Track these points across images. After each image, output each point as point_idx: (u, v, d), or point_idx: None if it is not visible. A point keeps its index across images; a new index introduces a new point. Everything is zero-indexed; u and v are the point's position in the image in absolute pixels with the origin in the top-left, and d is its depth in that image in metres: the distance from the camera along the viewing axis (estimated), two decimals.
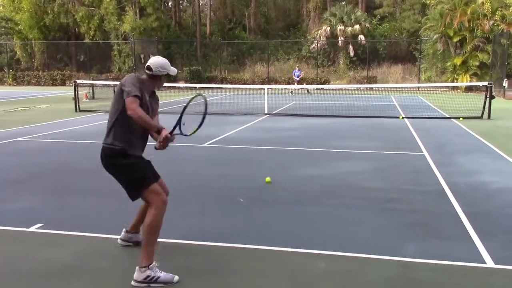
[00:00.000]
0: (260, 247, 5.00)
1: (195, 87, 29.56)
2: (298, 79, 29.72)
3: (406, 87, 30.89)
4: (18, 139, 12.03)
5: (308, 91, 29.21)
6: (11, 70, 40.01)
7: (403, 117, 16.21)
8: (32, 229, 5.55)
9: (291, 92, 28.80)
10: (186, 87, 30.12)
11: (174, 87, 29.80)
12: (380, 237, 5.36)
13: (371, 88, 30.85)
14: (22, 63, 41.72)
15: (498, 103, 19.44)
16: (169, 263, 4.64)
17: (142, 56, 32.49)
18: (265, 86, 20.54)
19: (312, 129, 14.04)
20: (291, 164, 9.32)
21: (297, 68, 30.88)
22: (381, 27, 41.07)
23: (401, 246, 5.04)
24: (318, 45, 37.62)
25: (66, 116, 16.98)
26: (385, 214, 6.18)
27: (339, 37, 37.18)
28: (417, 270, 4.48)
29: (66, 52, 42.55)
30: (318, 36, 37.97)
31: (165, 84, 21.35)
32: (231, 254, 4.88)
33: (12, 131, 13.39)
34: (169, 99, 24.46)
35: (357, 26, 36.92)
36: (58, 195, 7.09)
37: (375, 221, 5.89)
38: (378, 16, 41.81)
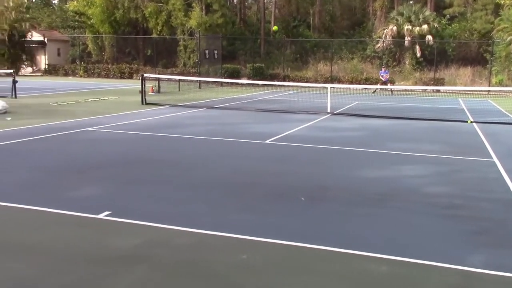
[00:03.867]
0: (317, 247, 4.99)
1: (257, 84, 29.74)
2: (385, 79, 29.21)
3: (475, 91, 29.68)
4: (88, 129, 12.56)
5: (392, 92, 28.75)
6: (82, 63, 41.73)
7: (471, 121, 15.63)
8: (101, 216, 5.80)
9: (374, 91, 28.41)
10: (249, 84, 30.35)
11: (237, 84, 30.13)
12: (442, 243, 5.22)
13: (438, 90, 29.92)
14: (93, 56, 43.39)
15: None
16: (233, 258, 4.73)
17: (206, 51, 32.97)
18: (328, 85, 20.37)
19: (375, 130, 13.81)
20: (352, 164, 9.22)
21: (383, 69, 30.42)
22: (450, 27, 39.69)
23: (465, 255, 4.89)
24: (384, 44, 36.89)
25: (133, 108, 17.55)
26: (448, 220, 6.00)
27: (406, 37, 36.25)
28: (481, 281, 4.35)
29: (134, 46, 43.89)
30: (383, 36, 37.20)
31: (228, 80, 21.66)
32: (287, 253, 4.91)
33: (82, 121, 14.00)
34: (232, 95, 24.76)
35: (425, 26, 35.86)
36: (125, 185, 7.36)
37: (437, 227, 5.74)
38: (448, 16, 40.44)
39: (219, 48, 34.11)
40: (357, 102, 21.75)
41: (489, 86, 31.21)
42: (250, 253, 4.83)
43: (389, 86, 28.53)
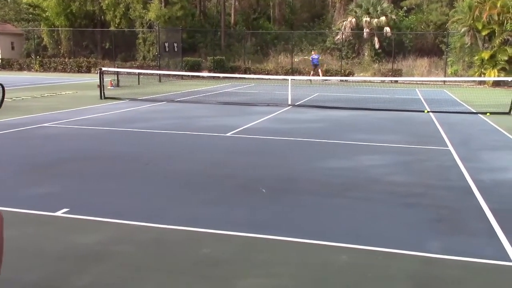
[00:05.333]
0: (280, 238, 5.01)
1: (218, 77, 29.60)
2: (316, 63, 29.44)
3: (431, 81, 30.41)
4: (44, 124, 12.22)
5: (311, 81, 28.95)
6: (38, 57, 40.57)
7: (428, 111, 16.00)
8: (58, 213, 5.65)
9: (310, 81, 28.72)
10: (210, 77, 30.18)
11: (198, 77, 29.92)
12: (402, 231, 5.33)
13: (396, 81, 30.49)
14: (49, 49, 42.25)
15: None
16: (197, 252, 4.69)
17: (166, 44, 32.56)
18: (289, 77, 20.46)
19: (336, 121, 13.96)
20: (314, 156, 9.30)
21: (313, 52, 30.58)
22: (407, 19, 40.45)
23: (424, 242, 5.00)
24: (343, 36, 37.29)
25: (92, 103, 17.18)
26: (408, 208, 6.13)
27: (365, 29, 36.77)
28: (440, 267, 4.45)
29: (91, 40, 42.96)
30: (343, 28, 37.61)
31: (189, 73, 21.50)
32: (251, 245, 4.91)
33: (38, 116, 13.61)
34: (193, 88, 24.56)
35: (383, 18, 36.43)
36: (83, 181, 7.20)
37: (398, 216, 5.85)
38: (405, 8, 41.18)
39: (179, 41, 33.74)
40: (317, 94, 21.94)
41: (444, 76, 32.02)
42: (214, 247, 4.81)
43: (309, 77, 28.78)
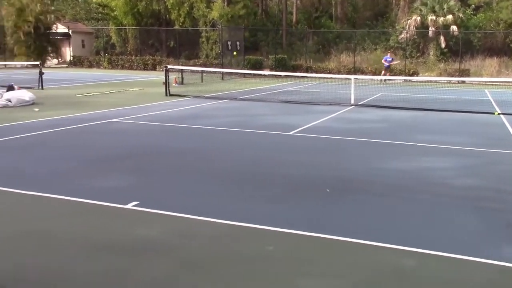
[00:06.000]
0: (342, 239, 4.99)
1: (280, 75, 29.66)
2: (387, 64, 29.05)
3: (502, 82, 29.11)
4: (113, 120, 12.70)
5: (384, 81, 28.49)
6: (106, 54, 42.15)
7: (498, 113, 15.36)
8: (129, 206, 5.88)
9: (383, 81, 28.32)
10: (271, 75, 30.29)
11: (260, 75, 30.10)
12: (472, 237, 5.18)
13: (463, 82, 29.44)
14: (117, 47, 43.78)
15: None
16: (259, 249, 4.76)
17: (229, 43, 32.96)
18: (352, 76, 20.20)
19: (399, 121, 13.69)
20: (376, 156, 9.17)
21: (388, 54, 30.15)
22: (475, 17, 38.93)
23: (497, 249, 4.83)
24: (407, 35, 36.38)
25: (157, 99, 17.68)
26: (479, 213, 5.94)
27: (430, 28, 35.71)
28: None
29: (157, 38, 44.12)
30: (407, 26, 36.70)
31: (251, 72, 21.58)
32: (311, 244, 4.92)
33: (107, 112, 14.16)
34: (255, 86, 24.75)
35: (449, 16, 35.24)
36: (151, 175, 7.44)
37: (467, 220, 5.68)
38: (473, 6, 39.65)
39: (241, 40, 34.03)
40: (381, 94, 21.56)
41: None
42: (275, 244, 4.86)
43: (383, 77, 28.24)
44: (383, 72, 29.45)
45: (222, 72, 28.37)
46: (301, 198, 6.45)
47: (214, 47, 38.08)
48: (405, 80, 29.27)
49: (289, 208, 6.00)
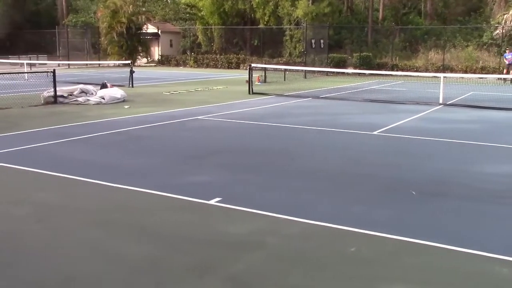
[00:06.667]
0: (430, 244, 4.76)
1: (364, 74, 29.08)
2: (509, 62, 27.65)
3: None
4: (198, 117, 13.02)
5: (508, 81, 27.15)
6: (192, 53, 43.40)
7: None
8: (212, 202, 5.98)
9: (504, 80, 27.09)
10: (355, 73, 29.76)
11: (343, 73, 29.68)
12: None
13: None
14: (203, 46, 44.91)
15: None
16: (338, 250, 4.68)
17: (313, 41, 32.77)
18: (441, 74, 19.37)
19: (492, 122, 12.93)
20: (467, 158, 8.71)
21: (507, 51, 28.74)
22: None
23: None
24: (503, 31, 34.34)
25: (241, 97, 17.92)
26: None
27: None
28: None
29: (241, 37, 44.75)
30: (503, 21, 34.63)
31: (334, 70, 21.27)
32: (397, 247, 4.75)
33: (193, 109, 14.54)
34: (338, 84, 24.42)
35: None
36: (235, 172, 7.54)
37: None
38: None
39: (325, 38, 33.73)
40: (472, 93, 20.50)
41: None
42: (359, 246, 4.74)
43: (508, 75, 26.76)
44: (505, 70, 28.03)
45: (305, 70, 28.25)
46: (386, 199, 6.25)
47: (297, 45, 38.01)
48: (498, 79, 27.66)
49: (374, 210, 5.83)
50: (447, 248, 4.68)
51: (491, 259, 4.45)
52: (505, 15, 34.83)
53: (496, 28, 35.51)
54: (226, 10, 42.49)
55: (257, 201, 6.07)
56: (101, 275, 4.14)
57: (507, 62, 27.62)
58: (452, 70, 31.42)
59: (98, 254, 4.56)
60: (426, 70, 31.81)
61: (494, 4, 40.43)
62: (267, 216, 5.53)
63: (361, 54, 34.65)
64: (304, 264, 4.34)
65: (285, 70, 27.18)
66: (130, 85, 21.41)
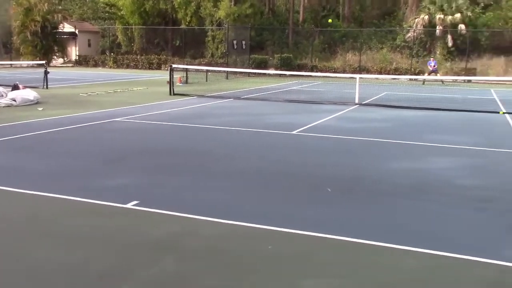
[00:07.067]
0: (345, 239, 4.93)
1: (285, 74, 29.60)
2: (432, 69, 29.19)
3: (509, 81, 28.94)
4: (116, 119, 12.69)
5: (442, 82, 28.77)
6: (112, 54, 42.24)
7: (503, 113, 15.24)
8: (129, 205, 5.84)
9: (423, 82, 28.64)
10: (276, 74, 30.24)
11: (265, 74, 30.06)
12: (475, 237, 5.11)
13: (469, 81, 29.25)
14: (123, 47, 43.85)
15: None
16: (259, 249, 4.72)
17: (235, 42, 32.94)
18: (357, 75, 20.12)
19: (404, 121, 13.60)
20: (381, 156, 9.10)
21: (431, 59, 30.40)
22: (484, 16, 38.68)
23: (498, 249, 4.76)
24: (414, 34, 36.21)
25: (161, 98, 17.67)
26: (482, 213, 5.86)
27: (437, 26, 35.52)
28: None
29: (163, 37, 44.15)
30: (414, 25, 36.54)
31: (256, 71, 21.45)
32: (315, 244, 4.87)
33: (111, 111, 14.15)
34: (259, 85, 24.70)
35: (457, 15, 35.03)
36: (154, 174, 7.41)
37: (470, 220, 5.62)
38: (482, 4, 39.41)
39: (247, 39, 34.01)
40: (386, 93, 21.45)
41: None
42: (279, 245, 4.81)
43: (438, 77, 28.48)
44: (426, 74, 29.59)
45: (227, 71, 28.35)
46: (306, 198, 6.39)
47: (219, 46, 38.06)
48: (410, 79, 29.15)
49: (295, 208, 5.94)
50: (360, 242, 4.84)
51: (401, 251, 4.67)
52: (416, 19, 36.75)
53: (408, 31, 37.37)
54: (147, 10, 41.77)
55: (176, 203, 6.00)
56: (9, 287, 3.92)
57: (430, 69, 29.26)
58: (368, 71, 32.72)
59: (7, 262, 4.32)
60: (344, 71, 32.92)
61: (406, 8, 42.53)
62: (187, 218, 5.47)
63: (282, 55, 35.28)
64: (223, 265, 4.34)
65: (207, 71, 27.12)
66: (45, 86, 20.49)
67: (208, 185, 6.88)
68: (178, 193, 6.51)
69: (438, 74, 29.13)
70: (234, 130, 11.50)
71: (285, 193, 6.58)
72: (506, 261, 4.45)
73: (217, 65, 32.43)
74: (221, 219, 5.43)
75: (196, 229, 5.18)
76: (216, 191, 6.63)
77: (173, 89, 19.17)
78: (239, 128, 11.73)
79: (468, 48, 33.37)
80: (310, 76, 29.46)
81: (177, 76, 22.61)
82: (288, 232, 5.11)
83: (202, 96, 18.84)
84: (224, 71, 28.29)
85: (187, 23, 40.18)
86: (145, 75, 31.92)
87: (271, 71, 31.02)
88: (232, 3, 37.22)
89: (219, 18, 37.69)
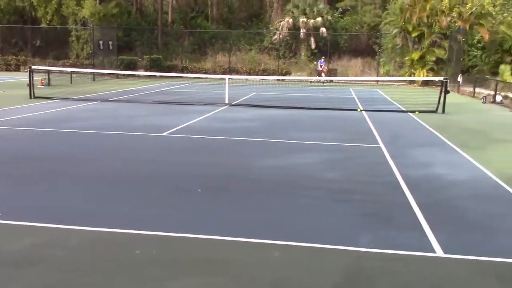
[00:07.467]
0: (214, 237, 5.00)
1: (155, 76, 29.17)
2: (320, 69, 30.38)
3: (365, 81, 31.35)
4: None
5: (323, 82, 30.33)
6: None
7: (361, 110, 16.45)
8: None
9: (310, 83, 30.24)
10: (146, 76, 29.68)
11: (134, 75, 29.35)
12: (334, 227, 5.46)
13: (331, 81, 31.15)
14: None
15: (453, 98, 19.97)
16: (129, 254, 4.60)
17: (101, 42, 31.71)
18: (226, 76, 20.45)
19: (273, 120, 14.09)
20: (250, 154, 9.34)
21: (322, 59, 31.49)
22: (342, 20, 41.41)
23: (355, 236, 5.14)
24: (280, 36, 37.69)
25: (20, 102, 16.45)
26: (341, 204, 6.28)
27: (301, 29, 37.33)
28: (369, 260, 4.59)
29: (21, 37, 41.09)
30: (280, 28, 38.02)
31: (124, 72, 20.80)
32: (184, 245, 4.87)
33: None
34: (129, 87, 24.06)
35: (319, 19, 37.11)
36: (15, 184, 6.89)
37: (330, 211, 5.99)
38: (340, 9, 42.16)
39: (114, 39, 32.93)
40: (255, 93, 22.06)
41: (377, 76, 33.04)
42: (149, 248, 4.72)
43: (323, 78, 29.85)
44: (317, 74, 30.91)
45: (94, 72, 27.23)
46: (176, 199, 6.35)
47: (85, 46, 36.38)
48: (278, 80, 30.28)
49: (164, 210, 5.87)
50: (228, 240, 4.95)
51: (266, 245, 4.84)
52: (282, 22, 38.27)
53: (274, 34, 38.79)
54: (2, 7, 38.65)
55: (41, 213, 5.64)
56: None
57: (319, 68, 30.71)
58: (237, 72, 33.39)
59: None
60: (214, 72, 33.27)
61: (272, 11, 44.11)
62: (52, 228, 5.17)
63: (151, 56, 34.71)
64: (92, 273, 4.17)
65: (72, 72, 25.80)
66: None
67: (73, 192, 6.55)
68: (41, 202, 6.12)
69: (323, 74, 30.83)
70: (101, 133, 11.08)
71: (153, 195, 6.49)
72: (362, 247, 4.82)
73: (83, 66, 30.99)
74: (87, 226, 5.21)
75: (62, 239, 4.92)
76: (82, 197, 6.34)
77: (33, 92, 17.94)
78: (106, 131, 11.32)
79: (329, 50, 35.48)
80: (181, 77, 29.35)
81: (38, 78, 21.23)
82: (156, 235, 5.05)
83: (67, 99, 17.88)
84: (91, 72, 27.13)
85: (48, 22, 37.85)
86: (1, 77, 29.50)
87: (141, 73, 30.38)
88: (97, 2, 35.82)
89: (84, 17, 36.05)
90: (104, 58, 31.95)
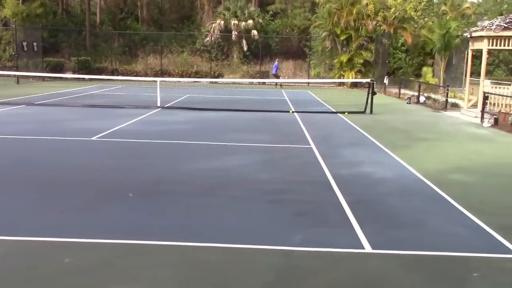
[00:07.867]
0: (148, 242, 4.94)
1: (83, 78, 28.31)
2: (275, 72, 30.73)
3: (296, 82, 31.94)
4: None
5: (276, 84, 30.65)
6: None
7: (293, 111, 16.74)
8: None
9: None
10: (74, 78, 28.75)
11: (61, 78, 28.36)
12: (267, 227, 5.53)
13: (264, 83, 31.49)
14: None
15: (380, 99, 20.73)
16: (57, 263, 4.45)
17: (24, 44, 30.39)
18: (158, 79, 20.18)
19: (205, 122, 14.05)
20: (183, 157, 9.28)
21: (276, 61, 31.71)
22: (273, 23, 41.97)
23: (287, 236, 5.23)
24: (212, 38, 37.67)
25: None
26: (273, 204, 6.37)
27: (233, 32, 37.49)
28: (299, 258, 4.69)
29: None
30: (212, 30, 38.00)
31: (51, 75, 19.99)
32: (116, 251, 4.78)
33: None
34: (55, 90, 23.20)
35: (250, 21, 37.43)
36: None
37: (263, 212, 6.06)
38: (271, 12, 42.70)
39: (39, 40, 31.68)
40: (187, 95, 21.91)
41: (308, 78, 33.76)
42: (78, 255, 4.59)
43: (278, 80, 30.15)
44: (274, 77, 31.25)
45: (17, 75, 26.05)
46: (106, 205, 6.20)
47: (7, 48, 34.77)
48: (210, 82, 30.23)
49: (94, 217, 5.71)
50: (163, 244, 4.90)
51: (202, 248, 4.83)
52: (213, 24, 38.25)
53: (206, 36, 38.70)
54: None
55: None
56: None
57: (275, 72, 31.63)
58: (170, 75, 33.02)
59: None
60: (146, 75, 32.74)
61: (203, 13, 43.98)
62: None
63: (79, 58, 33.68)
64: (19, 284, 3.99)
65: None
66: None
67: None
68: None
69: (279, 77, 31.27)
70: (26, 138, 10.62)
71: (83, 202, 6.30)
72: (291, 246, 4.92)
73: (5, 68, 29.60)
74: (11, 236, 5.00)
75: None
76: (5, 206, 6.05)
77: None
78: (31, 136, 10.86)
79: (261, 52, 35.85)
80: (111, 79, 28.62)
81: None
82: (85, 242, 4.92)
83: None
84: (14, 75, 25.95)
85: None
86: None
87: (69, 75, 29.36)
88: (20, 1, 34.33)
89: (5, 17, 34.43)
90: (29, 60, 30.68)
